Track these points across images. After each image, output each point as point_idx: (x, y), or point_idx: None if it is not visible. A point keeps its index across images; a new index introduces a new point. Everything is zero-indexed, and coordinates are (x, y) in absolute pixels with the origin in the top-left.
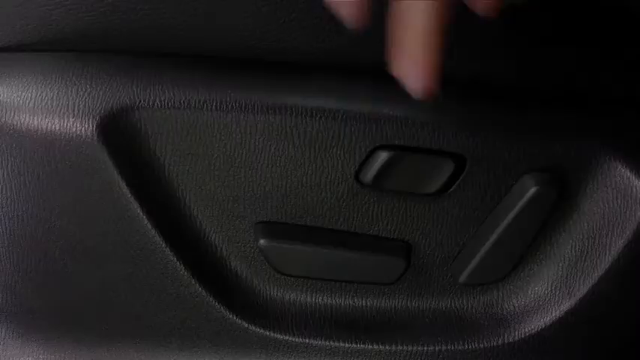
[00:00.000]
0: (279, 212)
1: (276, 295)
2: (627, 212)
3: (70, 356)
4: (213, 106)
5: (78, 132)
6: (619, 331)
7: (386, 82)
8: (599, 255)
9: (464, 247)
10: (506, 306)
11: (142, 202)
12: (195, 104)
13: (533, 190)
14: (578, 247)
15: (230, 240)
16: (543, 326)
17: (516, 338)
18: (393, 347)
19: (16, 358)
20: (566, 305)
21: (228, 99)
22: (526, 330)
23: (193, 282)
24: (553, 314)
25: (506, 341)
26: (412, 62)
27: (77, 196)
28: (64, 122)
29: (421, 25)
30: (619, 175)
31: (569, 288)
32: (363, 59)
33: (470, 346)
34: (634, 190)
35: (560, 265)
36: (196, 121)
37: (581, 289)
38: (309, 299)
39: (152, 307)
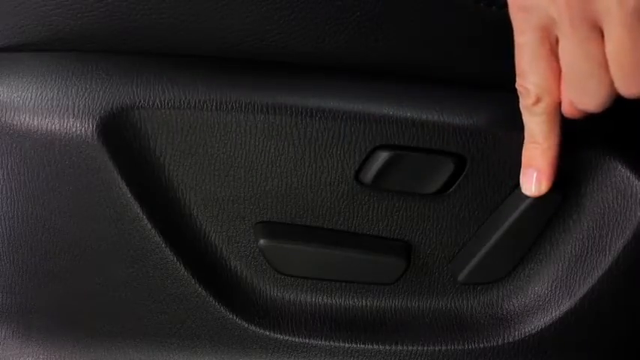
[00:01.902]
0: (279, 212)
1: (276, 295)
2: (627, 212)
3: (70, 356)
4: (213, 106)
5: (78, 132)
6: (619, 331)
7: (386, 82)
8: (599, 255)
9: (464, 246)
10: (506, 306)
11: (142, 202)
12: (195, 104)
13: None
14: (578, 247)
15: (230, 240)
16: (543, 326)
17: (516, 338)
18: (393, 347)
19: (16, 358)
20: (566, 305)
21: (228, 99)
22: (526, 330)
23: (193, 282)
24: (553, 314)
25: (506, 341)
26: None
27: (77, 196)
28: (64, 122)
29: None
30: (619, 175)
31: (569, 288)
32: (363, 59)
33: (470, 346)
34: (634, 190)
35: (560, 265)
36: (196, 121)
37: (581, 289)
38: (309, 299)
39: (152, 307)
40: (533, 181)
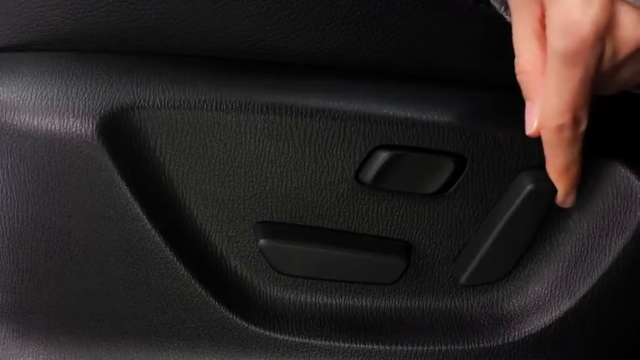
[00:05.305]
0: (279, 212)
1: (276, 295)
2: (627, 212)
3: (70, 356)
4: (213, 106)
5: (78, 132)
6: (619, 330)
7: (386, 82)
8: (599, 255)
9: (464, 247)
10: (506, 306)
11: (142, 202)
12: (195, 104)
13: (529, 187)
14: (578, 247)
15: (230, 240)
16: (543, 326)
17: (516, 338)
18: (393, 347)
19: (16, 358)
20: (566, 305)
21: (228, 99)
22: (526, 330)
23: (193, 282)
24: (553, 314)
25: (506, 341)
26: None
27: (77, 196)
28: (64, 122)
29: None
30: (619, 175)
31: (569, 288)
32: (363, 59)
33: (470, 346)
34: (634, 190)
35: (560, 265)
36: (196, 121)
37: (581, 289)
38: (309, 299)
39: (152, 307)
40: None
